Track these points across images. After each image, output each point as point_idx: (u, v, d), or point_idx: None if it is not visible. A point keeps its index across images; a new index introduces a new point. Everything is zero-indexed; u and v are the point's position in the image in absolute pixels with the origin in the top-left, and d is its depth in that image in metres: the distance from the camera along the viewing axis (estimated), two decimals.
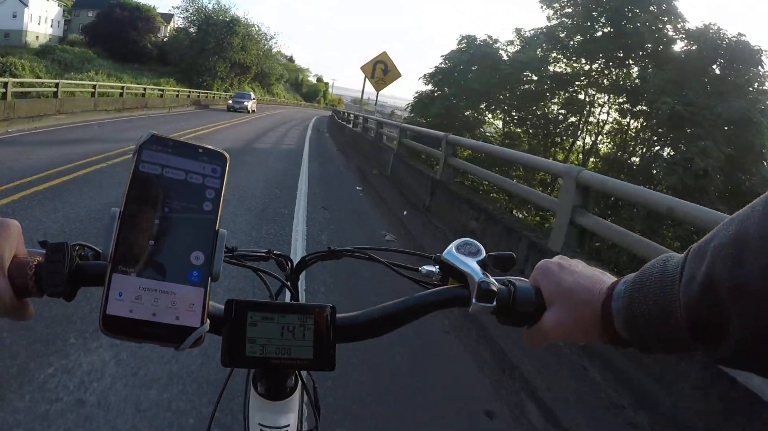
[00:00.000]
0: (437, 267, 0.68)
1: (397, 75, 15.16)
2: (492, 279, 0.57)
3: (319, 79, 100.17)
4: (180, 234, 0.46)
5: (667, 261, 0.46)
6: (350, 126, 18.27)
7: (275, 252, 0.74)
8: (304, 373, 0.67)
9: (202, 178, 0.47)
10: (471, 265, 0.59)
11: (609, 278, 0.54)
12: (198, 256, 0.46)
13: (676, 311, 0.42)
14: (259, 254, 0.73)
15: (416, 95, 20.78)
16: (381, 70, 14.95)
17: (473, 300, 0.56)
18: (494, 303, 0.55)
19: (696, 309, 0.40)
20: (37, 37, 46.47)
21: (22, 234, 0.50)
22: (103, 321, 0.43)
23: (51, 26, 50.41)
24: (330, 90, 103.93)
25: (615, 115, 17.92)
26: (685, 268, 0.42)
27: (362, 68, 15.08)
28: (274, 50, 60.27)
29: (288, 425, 0.62)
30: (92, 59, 37.36)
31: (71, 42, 45.37)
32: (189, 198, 0.46)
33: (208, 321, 0.46)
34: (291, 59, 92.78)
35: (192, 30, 42.82)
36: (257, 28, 46.75)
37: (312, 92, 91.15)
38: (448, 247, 0.63)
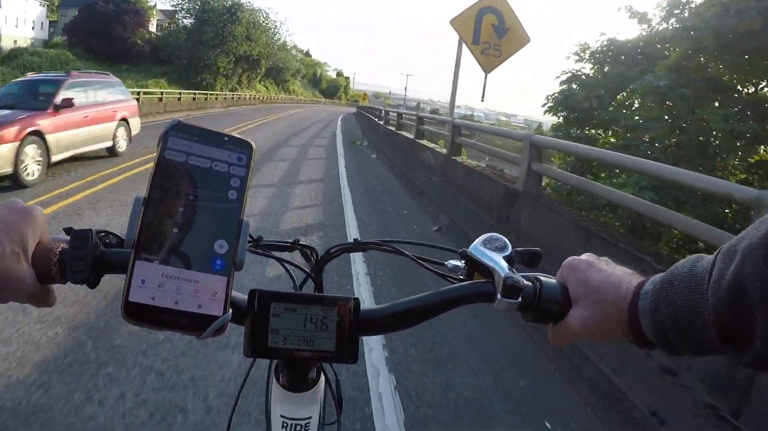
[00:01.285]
0: (463, 262, 0.66)
1: (524, 40, 7.52)
2: (518, 275, 0.56)
3: (339, 74, 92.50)
4: (204, 223, 0.45)
5: (697, 261, 0.45)
6: (408, 135, 10.61)
7: (300, 242, 0.73)
8: (326, 365, 0.66)
9: (228, 166, 0.47)
10: (497, 260, 0.58)
11: (637, 277, 0.52)
12: (222, 245, 0.45)
13: (705, 312, 0.41)
14: (284, 244, 0.72)
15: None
16: (491, 27, 7.27)
17: (498, 296, 0.55)
18: (519, 299, 0.55)
19: (724, 311, 0.39)
20: (15, 41, 40.24)
21: (45, 220, 0.49)
22: (125, 307, 0.42)
23: (32, 28, 44.25)
24: (351, 85, 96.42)
25: None
26: (714, 268, 0.41)
27: (452, 22, 7.27)
28: (289, 44, 53.23)
29: (310, 417, 0.61)
30: (69, 62, 30.79)
31: (54, 45, 39.09)
32: (214, 186, 0.46)
33: (231, 310, 0.45)
34: (308, 53, 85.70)
35: (188, 22, 35.48)
36: (264, 14, 38.95)
37: (332, 88, 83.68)
38: (474, 242, 0.62)
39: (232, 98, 32.53)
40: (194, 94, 25.98)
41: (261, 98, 41.73)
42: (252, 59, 37.41)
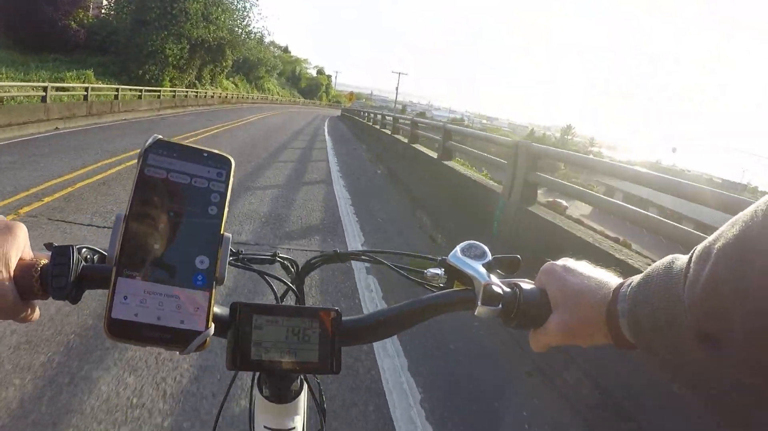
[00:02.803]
0: (443, 270, 0.67)
1: None
2: (498, 281, 0.57)
3: (320, 71, 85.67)
4: (185, 238, 0.46)
5: (672, 263, 0.45)
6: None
7: (280, 255, 0.73)
8: (309, 376, 0.66)
9: (207, 181, 0.47)
10: (476, 268, 0.59)
11: (615, 280, 0.53)
12: (203, 260, 0.46)
13: (681, 313, 0.41)
14: (264, 257, 0.72)
15: None
16: None
17: (479, 303, 0.56)
18: (500, 305, 0.55)
19: (700, 312, 0.39)
20: None
21: (28, 236, 0.49)
22: (108, 324, 0.43)
23: None
24: (333, 84, 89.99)
25: None
26: (689, 270, 0.41)
27: None
28: (266, 38, 46.66)
29: (294, 428, 0.62)
30: None
31: None
32: (194, 202, 0.47)
33: (213, 325, 0.46)
34: (286, 49, 79.18)
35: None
36: None
37: (312, 87, 77.01)
38: (454, 250, 0.63)
39: (185, 97, 25.57)
40: (117, 90, 19.11)
41: (226, 97, 34.85)
42: (213, 47, 30.25)
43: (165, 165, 0.47)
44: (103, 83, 22.83)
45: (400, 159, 9.75)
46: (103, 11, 28.89)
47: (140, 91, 21.65)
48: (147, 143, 0.47)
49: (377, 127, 15.86)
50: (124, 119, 15.76)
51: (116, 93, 18.99)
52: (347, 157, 13.21)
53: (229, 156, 0.49)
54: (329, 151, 13.94)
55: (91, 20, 27.85)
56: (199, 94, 29.31)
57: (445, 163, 6.67)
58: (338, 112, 53.22)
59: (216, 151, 0.49)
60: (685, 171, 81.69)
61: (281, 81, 66.54)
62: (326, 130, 22.08)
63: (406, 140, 9.71)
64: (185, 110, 22.13)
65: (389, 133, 12.35)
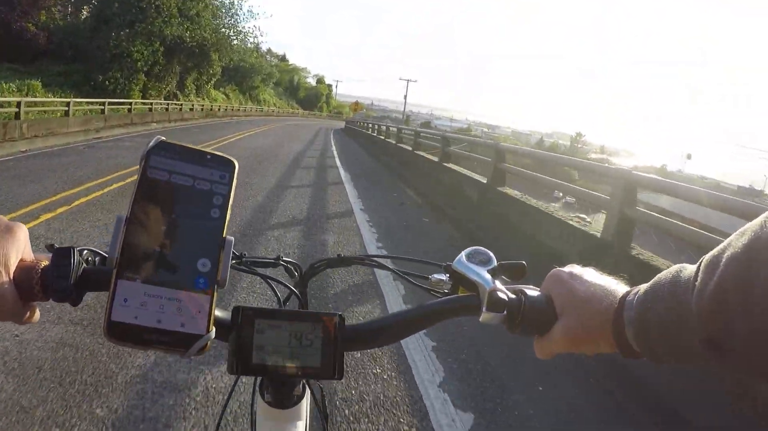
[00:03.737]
0: (447, 275, 0.67)
1: None
2: (503, 287, 0.56)
3: (320, 80, 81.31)
4: (187, 241, 0.45)
5: (680, 272, 0.45)
6: None
7: (284, 259, 0.73)
8: (312, 381, 0.66)
9: (210, 184, 0.47)
10: (481, 274, 0.58)
11: (622, 287, 0.52)
12: (205, 263, 0.45)
13: (689, 322, 0.41)
14: (267, 261, 0.72)
15: None
16: None
17: (483, 309, 0.55)
18: (504, 312, 0.54)
19: (708, 321, 0.39)
20: None
21: (28, 238, 0.49)
22: (108, 327, 0.42)
23: None
24: (333, 94, 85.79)
25: None
26: (697, 278, 0.41)
27: None
28: (259, 41, 42.48)
29: None
30: None
31: None
32: (196, 204, 0.46)
33: (214, 328, 0.45)
34: (284, 58, 75.21)
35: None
36: None
37: (311, 97, 72.65)
38: (459, 256, 0.63)
39: (149, 110, 20.89)
40: (67, 105, 14.87)
41: (211, 110, 30.43)
42: (195, 51, 25.77)
43: (167, 167, 0.46)
44: (55, 96, 18.53)
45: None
46: (65, 13, 24.32)
47: (102, 104, 17.31)
48: (150, 145, 0.46)
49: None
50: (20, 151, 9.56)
51: (66, 108, 14.59)
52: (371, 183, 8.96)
53: (233, 159, 0.48)
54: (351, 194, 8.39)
55: (60, 22, 23.35)
56: (171, 108, 24.96)
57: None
58: (341, 124, 48.53)
59: (219, 154, 0.48)
60: (703, 178, 77.52)
61: (278, 91, 62.29)
62: (336, 154, 15.95)
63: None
64: (147, 128, 17.57)
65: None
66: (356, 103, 44.28)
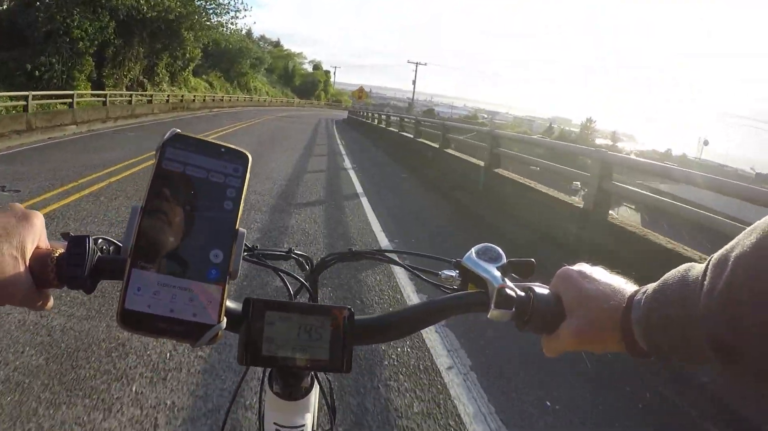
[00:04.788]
0: (457, 271, 0.67)
1: None
2: (512, 284, 0.56)
3: (317, 67, 75.74)
4: (200, 232, 0.46)
5: (688, 271, 0.44)
6: None
7: (296, 252, 0.74)
8: (320, 374, 0.67)
9: (224, 176, 0.48)
10: (491, 271, 0.59)
11: (630, 286, 0.52)
12: (217, 254, 0.46)
13: (697, 322, 0.41)
14: (279, 253, 0.73)
15: None
16: None
17: (492, 306, 0.55)
18: (513, 309, 0.54)
19: (716, 321, 0.39)
20: None
21: (44, 225, 0.50)
22: (121, 315, 0.43)
23: None
24: (332, 81, 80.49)
25: None
26: (706, 278, 0.41)
27: None
28: (255, 33, 37.51)
29: (303, 425, 0.62)
30: None
31: None
32: (210, 196, 0.47)
33: (225, 319, 0.46)
34: (278, 44, 70.09)
35: None
36: None
37: (308, 85, 67.27)
38: (468, 252, 0.63)
39: (104, 103, 16.27)
40: None
41: (181, 101, 25.18)
42: (161, 29, 20.77)
43: (182, 159, 0.46)
44: None
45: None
46: None
47: (25, 98, 12.70)
48: (165, 137, 0.47)
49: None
50: None
51: None
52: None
53: (247, 152, 0.49)
54: None
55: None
56: (137, 100, 20.19)
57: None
58: (341, 114, 43.37)
59: (234, 147, 0.49)
60: (723, 166, 72.82)
61: (272, 79, 57.25)
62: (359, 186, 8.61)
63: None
64: (47, 137, 11.34)
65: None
66: (360, 90, 36.71)
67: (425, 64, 45.25)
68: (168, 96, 23.29)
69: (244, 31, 49.06)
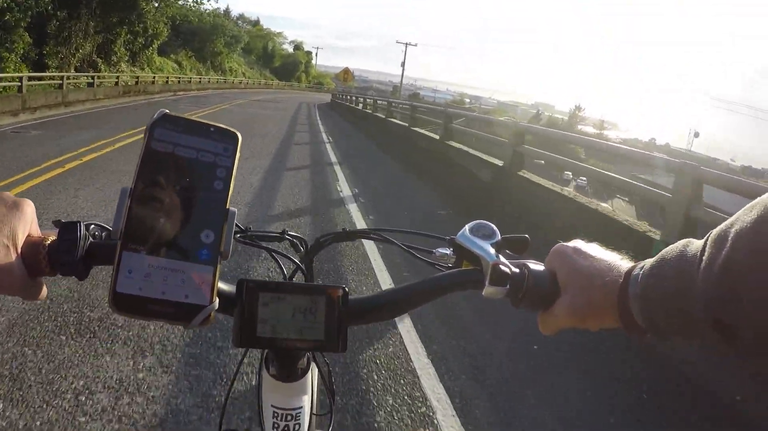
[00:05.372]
0: (451, 249, 0.67)
1: None
2: (506, 261, 0.56)
3: (298, 47, 71.91)
4: (190, 213, 0.45)
5: (686, 246, 0.44)
6: None
7: (290, 233, 0.73)
8: (319, 356, 0.67)
9: (214, 156, 0.47)
10: (485, 248, 0.58)
11: (626, 263, 0.51)
12: (208, 235, 0.45)
13: (695, 298, 0.41)
14: (273, 235, 0.72)
15: None
16: None
17: (486, 283, 0.55)
18: (508, 286, 0.54)
19: (714, 297, 0.39)
20: None
21: (35, 213, 0.49)
22: (113, 298, 0.43)
23: None
24: (313, 63, 77.13)
25: None
26: (704, 253, 0.41)
27: None
28: (234, 12, 34.48)
29: (301, 407, 0.62)
30: None
31: None
32: (200, 176, 0.46)
33: (217, 299, 0.46)
34: (257, 23, 66.67)
35: None
36: None
37: (288, 66, 63.86)
38: (462, 229, 0.62)
39: (59, 87, 13.93)
40: None
41: (136, 84, 22.04)
42: None
43: (171, 139, 0.46)
44: None
45: None
46: None
47: None
48: (154, 117, 0.46)
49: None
50: None
51: None
52: None
53: (236, 131, 0.48)
54: None
55: None
56: (89, 82, 17.61)
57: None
58: (325, 98, 40.52)
59: (223, 126, 0.49)
60: (715, 159, 71.89)
61: (249, 59, 54.15)
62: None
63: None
64: None
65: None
66: (346, 72, 32.28)
67: (415, 45, 41.77)
68: (117, 78, 20.41)
69: (221, 10, 45.88)
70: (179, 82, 27.07)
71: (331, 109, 28.25)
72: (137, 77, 21.32)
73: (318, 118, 21.85)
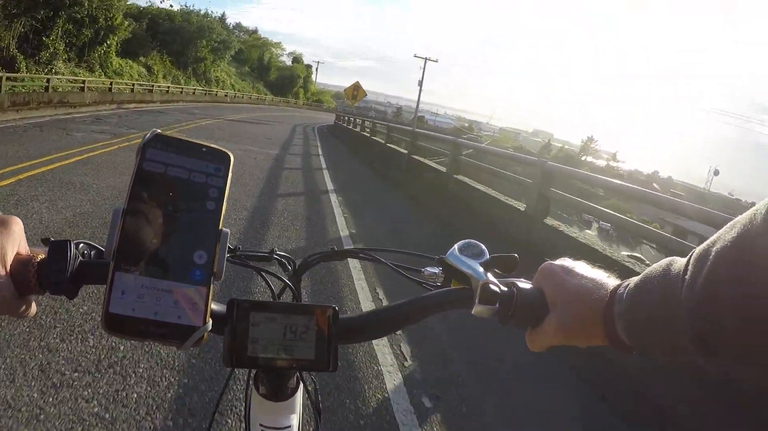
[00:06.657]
0: (440, 268, 0.67)
1: None
2: (495, 280, 0.57)
3: (297, 60, 66.71)
4: (183, 233, 0.46)
5: (670, 265, 0.45)
6: None
7: (278, 252, 0.74)
8: (305, 375, 0.67)
9: (206, 176, 0.47)
10: (474, 267, 0.59)
11: (613, 281, 0.52)
12: (201, 255, 0.46)
13: (678, 316, 0.41)
14: (261, 254, 0.73)
15: None
16: None
17: (476, 302, 0.55)
18: (497, 305, 0.55)
19: (697, 315, 0.40)
20: None
21: (23, 231, 0.49)
22: (106, 319, 0.43)
23: None
24: (313, 78, 71.84)
25: None
26: (687, 272, 0.41)
27: None
28: (230, 20, 29.80)
29: (289, 426, 0.62)
30: None
31: None
32: (192, 197, 0.46)
33: (210, 320, 0.46)
34: (255, 31, 61.74)
35: None
36: None
37: (285, 80, 58.27)
38: (451, 249, 0.63)
39: None
40: None
41: (45, 93, 16.08)
42: None
43: (163, 159, 0.46)
44: None
45: None
46: None
47: None
48: (146, 138, 0.46)
49: None
50: None
51: None
52: None
53: (228, 151, 0.49)
54: None
55: None
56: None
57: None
58: (327, 119, 34.23)
59: (215, 146, 0.49)
60: (738, 200, 67.36)
61: (243, 70, 48.84)
62: None
63: None
64: None
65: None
66: (356, 87, 23.09)
67: (436, 61, 35.36)
68: (47, 82, 14.61)
69: (216, 16, 40.64)
70: (132, 90, 20.81)
71: (336, 137, 22.14)
72: (48, 82, 14.93)
73: (321, 154, 14.79)
